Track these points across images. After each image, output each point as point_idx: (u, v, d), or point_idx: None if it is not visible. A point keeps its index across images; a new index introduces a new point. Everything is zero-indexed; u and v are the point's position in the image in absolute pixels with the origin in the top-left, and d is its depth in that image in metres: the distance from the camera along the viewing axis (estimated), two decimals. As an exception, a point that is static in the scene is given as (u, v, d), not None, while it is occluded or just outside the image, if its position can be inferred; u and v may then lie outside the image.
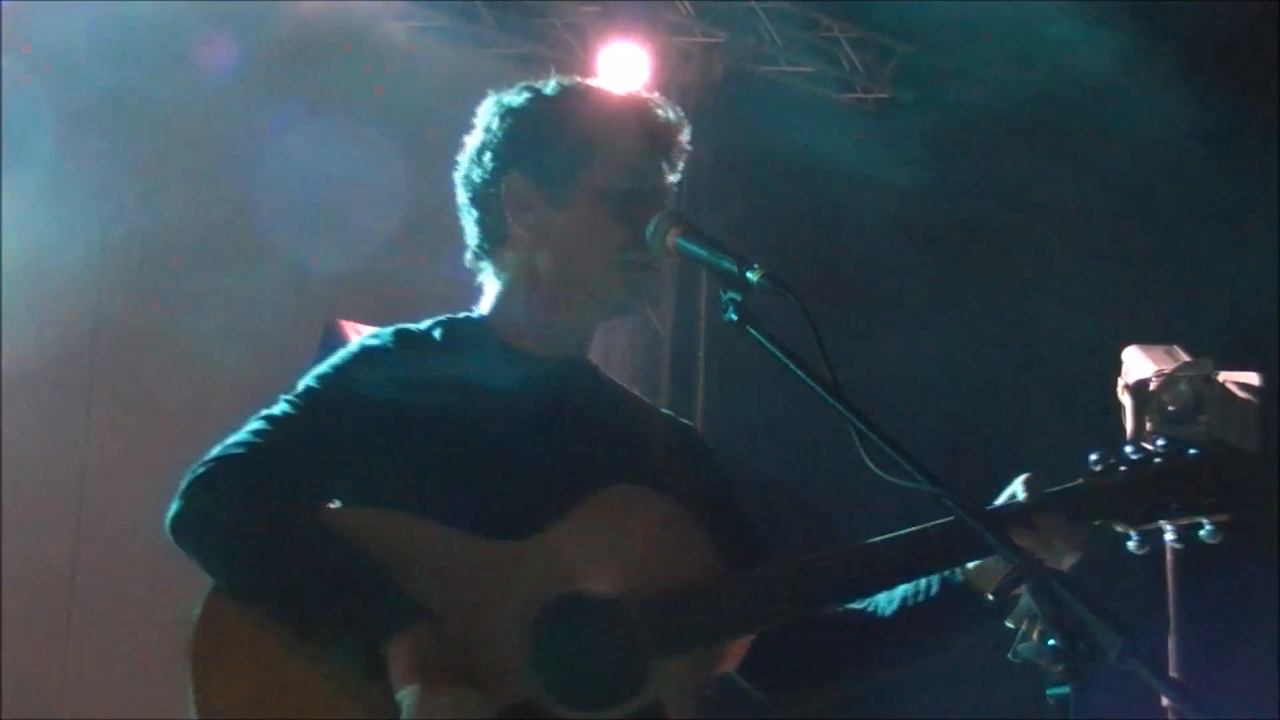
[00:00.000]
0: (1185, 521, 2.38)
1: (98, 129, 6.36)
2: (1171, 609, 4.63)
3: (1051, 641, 1.81)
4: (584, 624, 2.28)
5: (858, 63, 7.62)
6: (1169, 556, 4.64)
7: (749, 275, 2.17)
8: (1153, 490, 2.37)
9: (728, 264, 2.21)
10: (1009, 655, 1.87)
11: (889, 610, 2.48)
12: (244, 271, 6.47)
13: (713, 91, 7.34)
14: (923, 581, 2.44)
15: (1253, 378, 4.59)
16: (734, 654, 2.41)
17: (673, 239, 2.33)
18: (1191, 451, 2.38)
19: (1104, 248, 7.28)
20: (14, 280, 5.94)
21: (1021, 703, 2.21)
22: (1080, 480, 2.40)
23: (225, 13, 6.50)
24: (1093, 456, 2.40)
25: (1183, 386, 4.50)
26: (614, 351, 7.71)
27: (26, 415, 5.91)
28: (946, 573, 2.42)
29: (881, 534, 2.39)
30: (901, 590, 2.46)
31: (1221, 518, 2.37)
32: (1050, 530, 2.34)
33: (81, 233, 6.19)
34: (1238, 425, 4.50)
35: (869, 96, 7.73)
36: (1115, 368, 4.62)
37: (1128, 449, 2.40)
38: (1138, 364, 4.58)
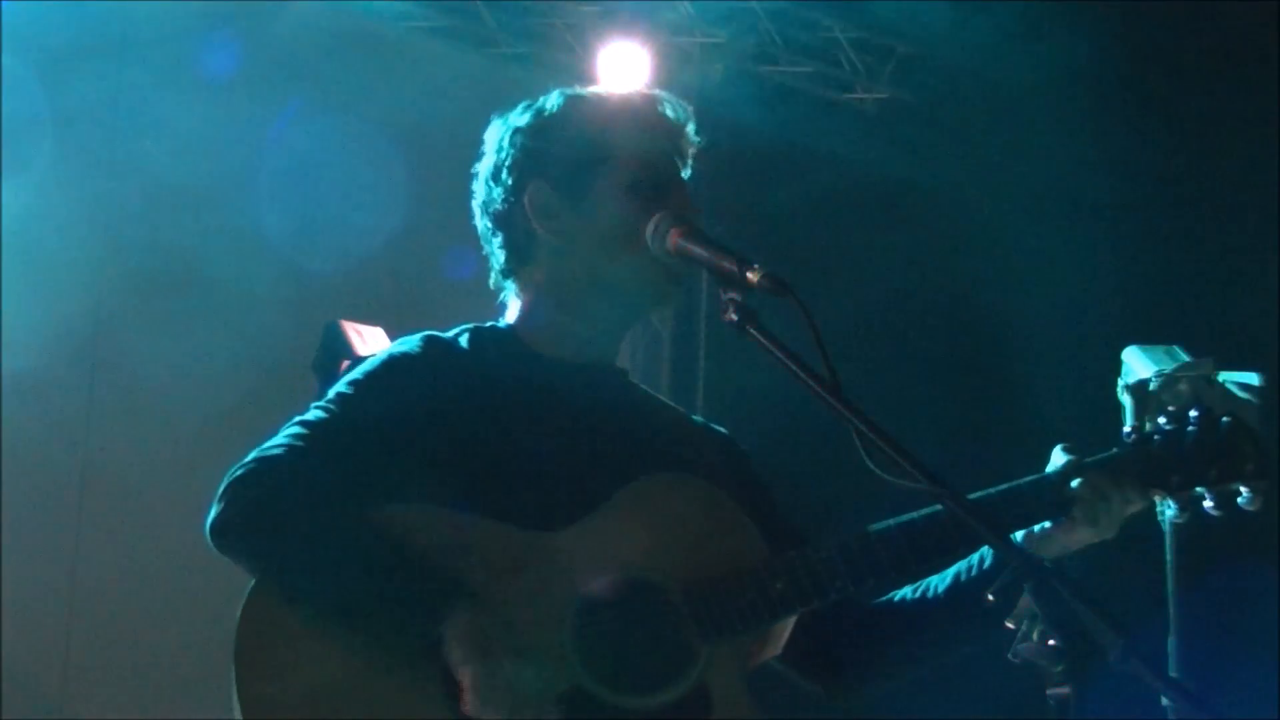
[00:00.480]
0: (1225, 488, 2.39)
1: (98, 129, 6.36)
2: (1171, 609, 4.63)
3: (1051, 641, 1.81)
4: (627, 609, 2.29)
5: (858, 63, 7.62)
6: (1169, 557, 4.64)
7: (749, 275, 2.17)
8: (1191, 457, 2.39)
9: (728, 264, 2.21)
10: (1009, 655, 1.86)
11: (942, 588, 2.49)
12: (244, 271, 6.48)
13: (713, 91, 7.34)
14: (974, 556, 2.46)
15: (1253, 378, 4.58)
16: (779, 637, 2.41)
17: (673, 239, 2.33)
18: (1225, 419, 2.40)
19: (1104, 246, 7.28)
20: (14, 280, 5.94)
21: (1021, 703, 2.21)
22: (1115, 450, 2.41)
23: (225, 13, 6.50)
24: (1126, 429, 2.42)
25: (1183, 386, 4.50)
26: (614, 351, 7.71)
27: (26, 415, 5.91)
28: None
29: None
30: (954, 568, 2.48)
31: (1262, 483, 2.38)
32: (1095, 496, 2.35)
33: (81, 233, 6.19)
34: (1238, 426, 4.50)
35: (869, 96, 7.73)
36: (1115, 368, 4.61)
37: (1161, 419, 2.41)
38: (1138, 364, 4.57)
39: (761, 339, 2.15)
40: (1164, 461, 2.40)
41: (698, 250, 2.29)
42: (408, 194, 6.35)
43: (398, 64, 6.95)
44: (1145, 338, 4.69)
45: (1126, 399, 4.61)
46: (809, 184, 7.34)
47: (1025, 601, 1.86)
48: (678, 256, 2.35)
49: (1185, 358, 4.60)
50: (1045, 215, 7.35)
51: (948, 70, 7.24)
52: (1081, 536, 2.38)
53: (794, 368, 2.10)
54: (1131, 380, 4.59)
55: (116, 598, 5.98)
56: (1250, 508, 2.39)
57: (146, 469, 5.92)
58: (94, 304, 6.21)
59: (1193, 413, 2.41)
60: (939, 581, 2.50)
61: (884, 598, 2.56)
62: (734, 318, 2.18)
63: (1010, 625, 1.90)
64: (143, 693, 5.86)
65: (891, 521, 2.37)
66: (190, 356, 6.17)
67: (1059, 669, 1.81)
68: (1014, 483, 2.39)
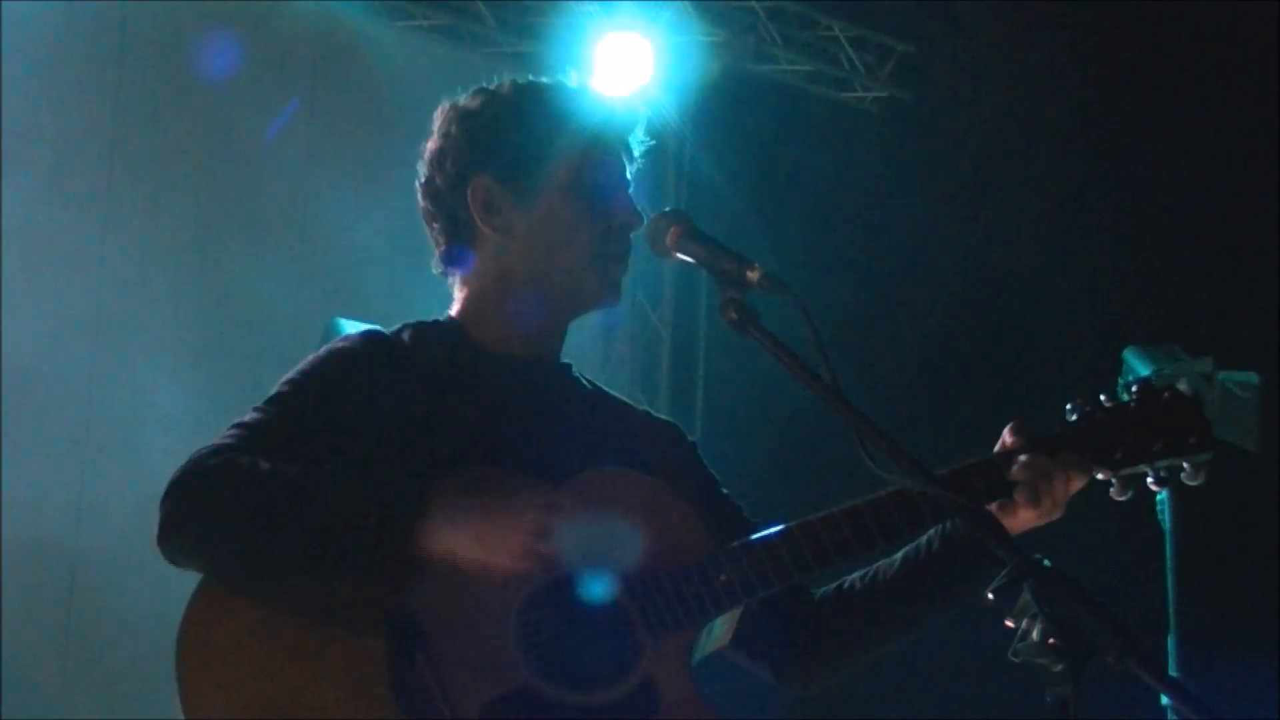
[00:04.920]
0: (1167, 463, 2.38)
1: (97, 129, 6.36)
2: (1171, 609, 4.63)
3: (1051, 641, 1.80)
4: (571, 606, 2.27)
5: (858, 63, 7.62)
6: (1169, 557, 4.64)
7: (748, 275, 2.17)
8: (1132, 432, 2.39)
9: (727, 264, 2.21)
10: (1009, 655, 1.86)
11: (891, 573, 2.48)
12: (244, 271, 6.48)
13: (713, 91, 7.34)
14: (922, 539, 2.45)
15: (1252, 378, 4.59)
16: (726, 630, 2.40)
17: (672, 238, 2.32)
18: (1166, 394, 2.41)
19: (1105, 246, 7.29)
20: (14, 280, 5.94)
21: (1021, 703, 2.21)
22: (1057, 429, 2.41)
23: (225, 13, 6.50)
24: (1068, 406, 2.42)
25: (1182, 386, 4.50)
26: (614, 351, 7.72)
27: (27, 412, 5.91)
28: (948, 525, 2.43)
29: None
30: (902, 552, 2.47)
31: (1204, 457, 2.38)
32: (1035, 476, 2.34)
33: (81, 232, 6.19)
34: (1238, 425, 4.51)
35: (869, 96, 7.74)
36: (1115, 368, 4.62)
37: (1101, 396, 2.42)
38: (1138, 364, 4.57)
39: (761, 338, 2.14)
40: (1108, 437, 2.39)
41: (697, 249, 2.29)
42: (406, 192, 6.34)
43: (397, 64, 6.95)
44: (1145, 338, 4.70)
45: (1126, 398, 4.62)
46: (808, 183, 7.35)
47: (1025, 601, 1.86)
48: (676, 255, 2.34)
49: (1185, 358, 4.61)
50: (1045, 215, 7.35)
51: (948, 70, 7.25)
52: (1025, 518, 2.36)
53: (794, 367, 2.10)
54: (1131, 380, 4.59)
55: (116, 598, 5.98)
56: (1192, 483, 2.39)
57: (146, 468, 5.91)
58: (94, 303, 6.21)
59: (1134, 388, 2.41)
60: (887, 566, 2.49)
61: (832, 585, 2.55)
62: (734, 317, 2.17)
63: (1010, 625, 1.89)
64: (142, 693, 5.85)
65: (836, 508, 2.36)
66: (190, 355, 6.18)
67: (1059, 669, 1.80)
68: (957, 465, 2.38)
